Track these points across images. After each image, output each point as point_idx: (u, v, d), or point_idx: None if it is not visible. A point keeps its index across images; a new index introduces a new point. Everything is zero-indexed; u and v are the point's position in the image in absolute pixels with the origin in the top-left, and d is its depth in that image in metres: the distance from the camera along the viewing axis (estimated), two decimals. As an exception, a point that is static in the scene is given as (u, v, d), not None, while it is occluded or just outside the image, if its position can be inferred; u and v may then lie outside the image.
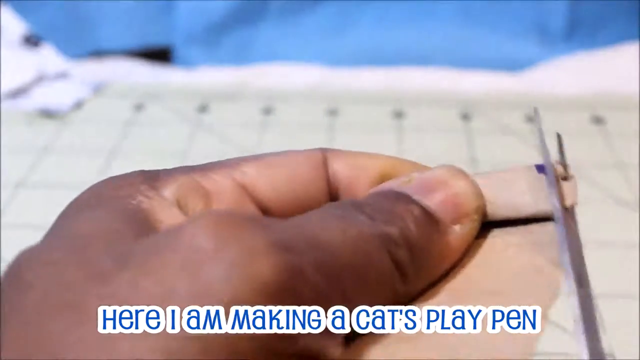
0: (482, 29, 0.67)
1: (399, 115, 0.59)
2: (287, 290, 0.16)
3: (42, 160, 0.53)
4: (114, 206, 0.19)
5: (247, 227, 0.17)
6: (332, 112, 0.59)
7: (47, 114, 0.59)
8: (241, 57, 0.68)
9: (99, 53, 0.68)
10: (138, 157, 0.54)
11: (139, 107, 0.60)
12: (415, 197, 0.20)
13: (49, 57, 0.65)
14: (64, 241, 0.18)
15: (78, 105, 0.60)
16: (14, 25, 0.66)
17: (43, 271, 0.17)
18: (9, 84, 0.61)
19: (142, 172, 0.21)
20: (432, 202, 0.20)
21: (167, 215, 0.19)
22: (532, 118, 0.57)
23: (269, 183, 0.22)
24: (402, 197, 0.20)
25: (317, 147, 0.23)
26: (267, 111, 0.59)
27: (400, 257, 0.19)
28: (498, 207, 0.21)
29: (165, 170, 0.21)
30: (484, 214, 0.21)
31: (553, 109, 0.59)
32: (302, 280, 0.17)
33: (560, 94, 0.61)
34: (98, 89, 0.62)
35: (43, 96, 0.60)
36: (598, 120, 0.57)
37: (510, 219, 0.21)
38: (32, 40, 0.66)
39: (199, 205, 0.21)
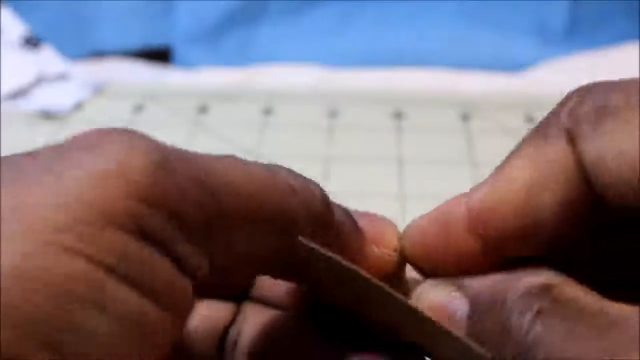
0: (482, 29, 0.67)
1: (398, 115, 0.59)
2: (156, 192, 0.16)
3: (42, 160, 0.53)
4: None
5: (133, 134, 0.17)
6: (332, 113, 0.59)
7: (47, 114, 0.59)
8: (241, 57, 0.68)
9: (99, 53, 0.68)
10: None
11: (138, 108, 0.60)
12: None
13: (49, 57, 0.65)
14: None
15: (78, 106, 0.60)
16: (14, 26, 0.66)
17: None
18: (9, 85, 0.61)
19: None
20: (361, 220, 0.21)
21: None
22: (532, 118, 0.57)
23: None
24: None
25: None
26: (267, 111, 0.59)
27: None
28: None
29: None
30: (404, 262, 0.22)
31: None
32: (175, 185, 0.17)
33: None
34: (98, 89, 0.62)
35: (43, 97, 0.60)
36: (598, 120, 0.57)
37: None
38: (32, 41, 0.66)
39: None
